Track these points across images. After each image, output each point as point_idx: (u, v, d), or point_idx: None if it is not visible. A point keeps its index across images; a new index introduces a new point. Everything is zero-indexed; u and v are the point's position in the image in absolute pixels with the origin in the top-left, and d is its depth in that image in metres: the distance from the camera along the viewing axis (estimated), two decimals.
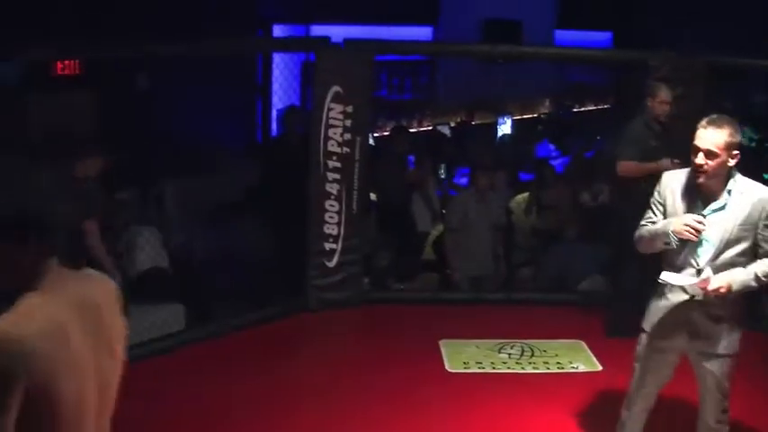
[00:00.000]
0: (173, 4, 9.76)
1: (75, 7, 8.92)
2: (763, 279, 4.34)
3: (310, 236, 7.60)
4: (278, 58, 10.70)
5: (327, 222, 7.57)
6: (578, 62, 14.03)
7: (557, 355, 6.98)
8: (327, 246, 7.63)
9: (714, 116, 4.37)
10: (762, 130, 12.10)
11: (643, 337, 4.76)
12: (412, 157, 9.94)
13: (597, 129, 13.42)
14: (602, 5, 15.54)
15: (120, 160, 7.06)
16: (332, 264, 7.67)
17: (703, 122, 4.33)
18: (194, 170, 8.79)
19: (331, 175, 7.49)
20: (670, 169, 6.32)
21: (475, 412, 6.00)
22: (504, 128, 13.74)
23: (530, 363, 6.87)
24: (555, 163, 11.32)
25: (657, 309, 4.68)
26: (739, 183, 4.40)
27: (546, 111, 15.82)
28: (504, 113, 14.10)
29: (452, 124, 13.77)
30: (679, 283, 4.45)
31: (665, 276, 4.44)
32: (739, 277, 4.33)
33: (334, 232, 7.60)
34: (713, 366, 4.61)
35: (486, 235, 8.27)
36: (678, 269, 4.49)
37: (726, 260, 4.37)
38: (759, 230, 4.36)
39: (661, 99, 7.06)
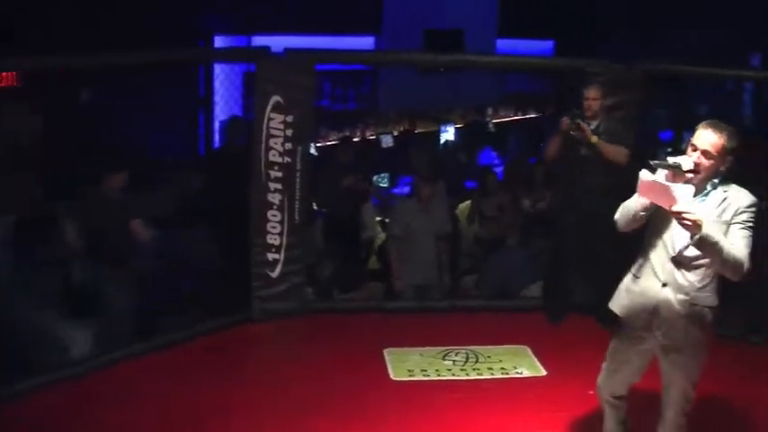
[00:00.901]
0: (111, 16, 9.67)
1: (7, 20, 8.77)
2: (727, 256, 4.27)
3: (253, 246, 7.55)
4: (220, 70, 10.63)
5: (270, 233, 7.54)
6: (519, 70, 14.12)
7: (501, 361, 7.00)
8: (270, 256, 7.59)
9: (715, 120, 4.48)
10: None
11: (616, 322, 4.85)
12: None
13: (537, 136, 13.49)
14: (544, 14, 15.64)
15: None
16: (275, 274, 7.64)
17: (704, 123, 4.45)
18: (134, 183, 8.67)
19: (273, 185, 7.47)
20: (566, 125, 6.57)
21: (420, 420, 5.99)
22: (447, 136, 13.78)
23: (474, 369, 6.88)
24: (498, 170, 11.37)
25: (628, 292, 4.74)
26: (724, 182, 4.48)
27: (488, 119, 15.87)
28: (445, 122, 14.14)
29: (395, 133, 13.77)
30: (664, 184, 4.27)
31: (644, 174, 4.32)
32: (713, 229, 4.26)
33: (277, 242, 7.57)
34: (679, 358, 4.64)
35: (430, 244, 8.28)
36: (656, 248, 4.59)
37: (696, 253, 4.42)
38: (730, 225, 4.41)
39: (589, 96, 7.19)
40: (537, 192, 9.87)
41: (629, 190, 4.57)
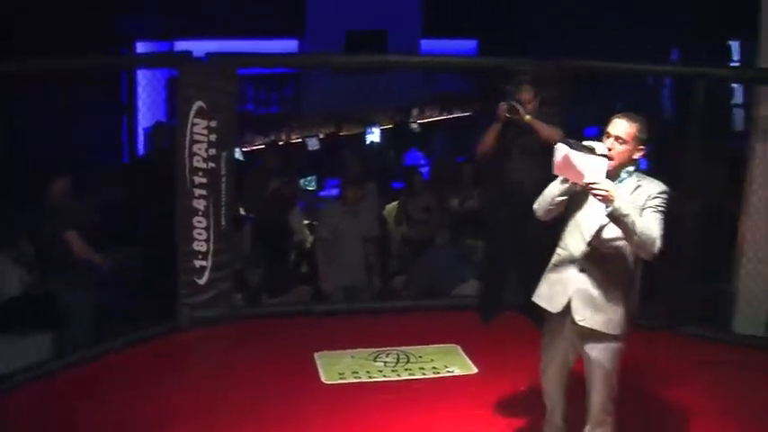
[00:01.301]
0: (31, 22, 9.52)
1: None
2: (639, 230, 4.42)
3: (179, 253, 7.47)
4: (142, 76, 10.52)
5: (196, 239, 7.46)
6: (442, 70, 14.20)
7: (432, 360, 7.02)
8: (197, 263, 7.51)
9: (630, 112, 4.75)
10: None
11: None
12: None
13: (463, 135, 13.57)
14: (467, 14, 15.72)
15: None
16: (202, 281, 7.56)
17: (618, 113, 4.72)
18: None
19: (198, 191, 7.39)
20: (503, 109, 6.82)
21: (352, 422, 5.98)
22: (373, 138, 13.80)
23: (406, 369, 6.89)
24: (425, 171, 11.42)
25: (548, 281, 4.91)
26: (638, 172, 4.73)
27: (414, 120, 15.93)
28: (371, 124, 14.16)
29: (321, 136, 13.76)
30: (579, 159, 4.42)
31: (561, 147, 4.46)
32: (625, 203, 4.44)
33: (204, 249, 7.49)
34: (596, 347, 4.77)
35: (358, 246, 8.27)
36: (573, 234, 4.78)
37: (610, 235, 4.62)
38: (642, 209, 4.57)
39: (522, 98, 7.23)
40: (465, 190, 9.92)
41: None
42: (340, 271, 8.27)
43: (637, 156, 4.69)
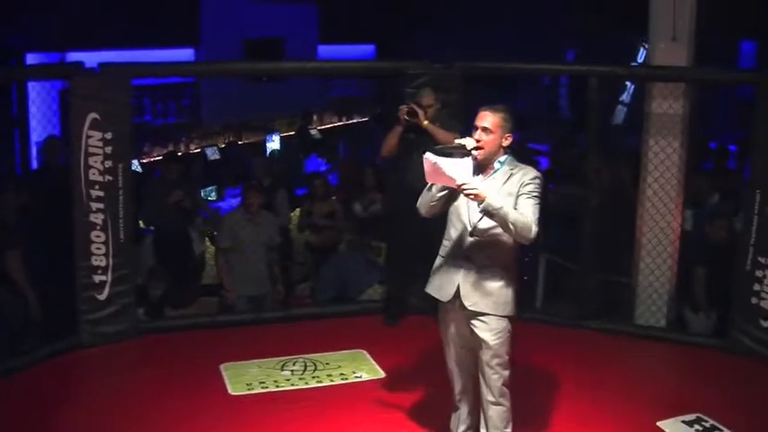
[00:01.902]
0: None
1: None
2: (512, 219, 4.76)
3: (78, 269, 7.29)
4: (33, 88, 10.28)
5: (95, 254, 7.28)
6: (340, 75, 14.22)
7: (340, 367, 6.98)
8: (97, 278, 7.33)
9: (494, 104, 5.04)
10: (521, 131, 12.63)
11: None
12: None
13: (363, 140, 13.60)
14: (364, 20, 15.77)
15: None
16: (103, 296, 7.38)
17: (484, 107, 5.01)
18: None
19: (95, 205, 7.21)
20: (403, 112, 7.10)
21: None
22: (273, 145, 13.72)
23: (313, 377, 6.84)
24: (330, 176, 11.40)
25: (437, 272, 5.21)
26: (510, 161, 5.05)
27: (314, 126, 15.90)
28: (271, 131, 14.09)
29: (221, 145, 13.63)
30: (445, 165, 4.73)
31: (429, 156, 4.76)
32: (496, 198, 4.77)
33: (103, 264, 7.32)
34: (487, 330, 5.05)
35: (260, 254, 8.22)
36: (456, 226, 5.09)
37: (490, 224, 4.92)
38: (517, 197, 4.91)
39: (423, 102, 7.27)
40: (368, 195, 9.91)
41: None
42: (243, 280, 8.20)
43: (505, 143, 5.01)
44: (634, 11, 8.17)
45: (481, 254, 5.02)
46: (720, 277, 7.72)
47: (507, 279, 5.05)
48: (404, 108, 7.18)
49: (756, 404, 6.45)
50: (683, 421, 6.09)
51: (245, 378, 6.78)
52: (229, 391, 6.60)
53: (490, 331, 5.04)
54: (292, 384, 6.72)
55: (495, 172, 5.01)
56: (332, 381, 6.77)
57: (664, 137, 7.69)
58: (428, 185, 5.02)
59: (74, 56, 10.39)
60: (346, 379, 6.80)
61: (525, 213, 4.83)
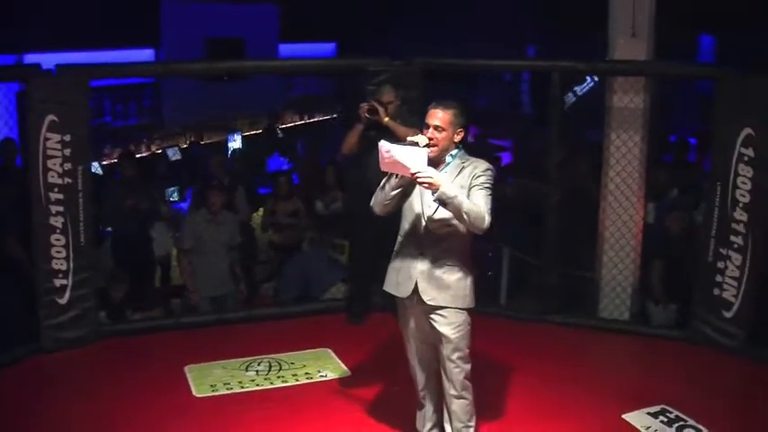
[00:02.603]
0: None
1: None
2: (466, 208, 4.78)
3: (38, 273, 7.20)
4: None
5: (55, 258, 7.18)
6: (300, 73, 14.17)
7: (305, 366, 6.96)
8: (57, 282, 7.23)
9: (444, 100, 5.04)
10: (482, 127, 12.69)
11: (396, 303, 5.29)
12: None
13: (325, 138, 13.57)
14: (325, 18, 15.75)
15: None
16: (64, 300, 7.28)
17: (433, 103, 5.03)
18: None
19: (54, 208, 7.12)
20: (364, 109, 7.09)
21: None
22: (235, 144, 13.66)
23: (278, 377, 6.80)
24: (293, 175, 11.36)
25: (393, 268, 5.22)
26: (461, 155, 5.08)
27: (276, 125, 15.85)
28: (233, 131, 14.02)
29: (182, 146, 13.54)
30: (400, 153, 4.74)
31: (384, 144, 4.79)
32: (451, 186, 4.79)
33: (64, 267, 7.22)
34: (446, 324, 5.07)
35: (222, 254, 8.19)
36: (410, 221, 5.11)
37: (445, 215, 4.94)
38: (470, 189, 4.94)
39: (383, 99, 7.26)
40: (330, 193, 9.89)
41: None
42: (205, 281, 8.16)
43: (457, 139, 5.04)
44: (594, 7, 8.20)
45: (436, 247, 5.05)
46: (678, 269, 7.78)
47: (464, 271, 5.09)
48: (364, 106, 7.16)
49: (719, 394, 6.51)
50: (648, 413, 6.13)
51: (209, 379, 6.74)
52: (194, 393, 6.55)
53: (449, 325, 5.06)
54: (257, 385, 6.68)
55: (447, 165, 5.03)
56: (297, 380, 6.73)
57: (625, 131, 7.73)
58: (381, 184, 5.04)
59: (31, 58, 10.27)
60: (311, 378, 6.77)
61: (478, 203, 4.86)
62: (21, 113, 9.40)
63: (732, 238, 7.11)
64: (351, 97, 8.59)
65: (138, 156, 11.77)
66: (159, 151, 13.49)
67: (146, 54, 13.90)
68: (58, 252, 7.19)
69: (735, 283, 7.14)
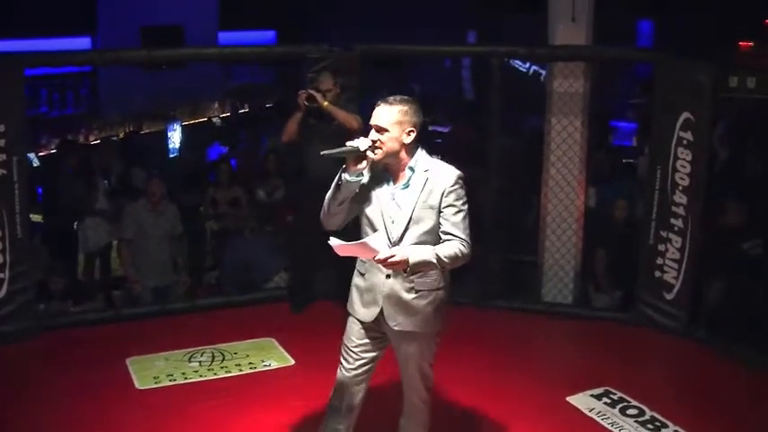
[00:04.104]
0: None
1: None
2: (445, 260, 4.31)
3: None
4: None
5: None
6: (239, 60, 14.08)
7: (248, 356, 6.91)
8: None
9: (392, 96, 4.43)
10: (426, 115, 12.66)
11: (349, 320, 4.74)
12: None
13: (264, 126, 13.48)
14: (264, 5, 15.66)
15: None
16: (1, 294, 7.15)
17: (378, 102, 4.40)
18: None
19: None
20: (302, 97, 6.97)
21: (170, 426, 5.82)
22: (175, 135, 13.51)
23: (222, 367, 6.75)
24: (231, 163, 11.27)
25: (358, 290, 4.67)
26: (423, 161, 4.45)
27: (216, 114, 15.74)
28: (173, 120, 13.87)
29: (121, 135, 13.37)
30: (346, 251, 4.30)
31: (333, 241, 4.22)
32: (419, 253, 4.28)
33: (0, 260, 7.10)
34: (413, 347, 4.64)
35: (163, 244, 8.12)
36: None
37: (412, 239, 4.38)
38: (441, 210, 4.39)
39: (322, 87, 7.22)
40: (271, 181, 9.83)
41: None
42: (147, 271, 8.08)
43: (408, 140, 4.37)
44: None
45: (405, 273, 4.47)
46: (623, 256, 7.86)
47: (436, 293, 4.56)
48: (303, 93, 7.12)
49: (661, 375, 6.61)
50: (592, 395, 6.19)
51: (151, 371, 6.66)
52: (136, 385, 6.47)
53: (417, 348, 4.64)
54: (200, 375, 6.62)
55: (409, 179, 4.43)
56: (241, 370, 6.68)
57: (565, 115, 7.77)
58: (329, 193, 4.46)
59: None
60: (255, 368, 6.73)
61: (455, 234, 4.36)
62: None
63: (672, 220, 7.19)
64: (290, 85, 8.55)
65: (80, 144, 11.59)
66: (97, 141, 13.30)
67: (83, 42, 13.71)
68: None
69: (675, 266, 7.22)
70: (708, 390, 6.36)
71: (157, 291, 8.16)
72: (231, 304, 7.96)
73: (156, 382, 6.51)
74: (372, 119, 4.39)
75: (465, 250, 4.36)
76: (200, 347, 7.03)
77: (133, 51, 9.24)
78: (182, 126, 13.90)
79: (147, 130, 14.19)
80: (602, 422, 5.85)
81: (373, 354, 4.74)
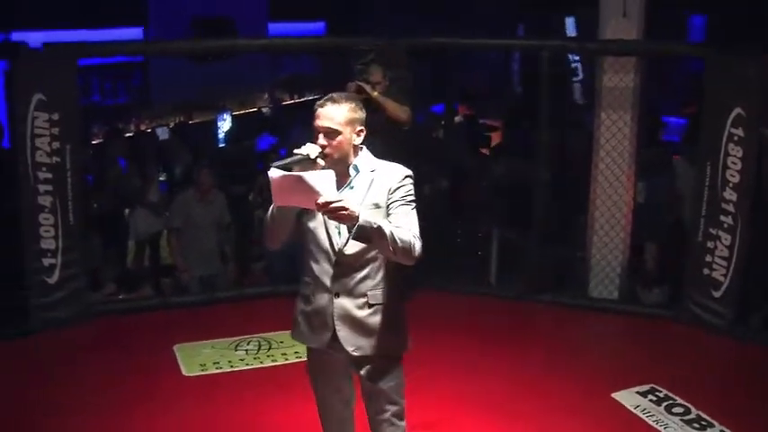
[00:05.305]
0: None
1: None
2: (397, 239, 3.68)
3: (26, 253, 7.17)
4: None
5: (43, 237, 7.16)
6: (290, 51, 14.13)
7: (294, 345, 6.92)
8: (46, 261, 7.22)
9: (332, 94, 3.94)
10: (472, 108, 12.64)
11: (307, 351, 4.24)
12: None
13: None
14: None
15: None
16: (53, 280, 7.27)
17: (320, 101, 3.89)
18: None
19: (42, 188, 7.10)
20: (351, 88, 6.81)
21: (216, 413, 5.88)
22: (225, 124, 13.60)
23: (268, 356, 6.81)
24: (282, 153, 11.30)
25: (303, 315, 4.11)
26: (369, 161, 3.96)
27: (265, 104, 15.79)
28: (222, 110, 13.95)
29: (171, 125, 13.48)
30: (298, 181, 3.58)
31: (273, 172, 3.61)
32: (372, 215, 3.71)
33: (52, 247, 7.21)
34: (376, 374, 4.06)
35: (211, 233, 8.18)
36: (316, 257, 3.97)
37: (360, 246, 3.83)
38: (389, 206, 3.88)
39: (374, 79, 7.24)
40: None
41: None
42: (195, 260, 8.15)
43: (358, 141, 3.90)
44: None
45: (353, 284, 3.95)
46: (673, 251, 7.81)
47: (392, 309, 4.01)
48: (352, 86, 7.14)
49: (708, 373, 6.54)
50: (638, 392, 6.15)
51: (198, 358, 6.74)
52: (183, 372, 6.56)
53: (381, 376, 4.05)
54: (247, 364, 6.70)
55: (353, 180, 3.91)
56: (287, 360, 6.73)
57: (615, 110, 7.73)
58: (268, 213, 3.92)
59: (18, 36, 10.21)
60: (301, 357, 6.69)
61: (404, 227, 3.78)
62: (8, 92, 9.37)
63: (722, 217, 7.12)
64: (340, 76, 8.57)
65: (126, 135, 11.69)
66: (148, 130, 13.43)
67: (134, 33, 13.83)
68: (47, 231, 7.19)
69: (724, 263, 7.16)
70: (755, 390, 6.29)
71: (205, 279, 8.24)
72: (278, 294, 7.99)
73: (202, 370, 6.59)
74: (319, 120, 3.84)
75: (417, 244, 3.79)
76: (246, 336, 7.11)
77: (185, 42, 9.35)
78: (231, 116, 13.99)
79: (196, 120, 14.29)
80: (647, 419, 5.82)
81: (339, 395, 4.24)
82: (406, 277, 4.10)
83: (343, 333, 3.97)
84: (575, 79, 14.38)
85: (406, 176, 3.92)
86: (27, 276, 7.22)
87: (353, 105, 3.89)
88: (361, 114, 3.92)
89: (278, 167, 3.64)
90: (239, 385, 6.32)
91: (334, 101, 3.86)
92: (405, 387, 4.16)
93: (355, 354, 3.99)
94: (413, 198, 3.92)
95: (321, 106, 3.86)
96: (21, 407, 5.99)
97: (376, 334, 3.98)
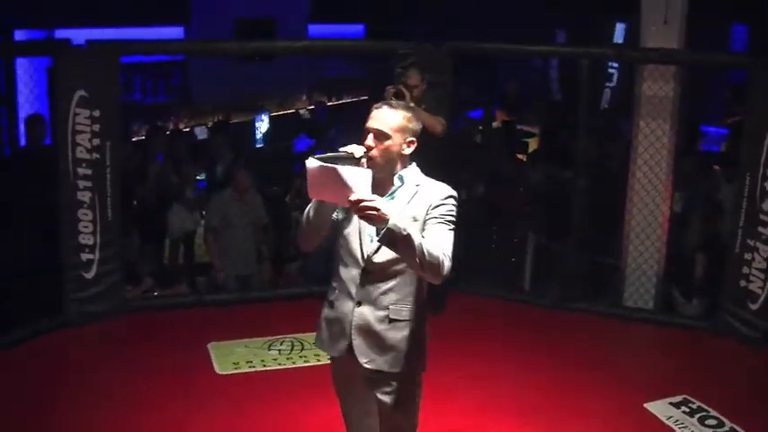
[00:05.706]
0: None
1: None
2: (426, 253, 3.54)
3: (64, 248, 7.25)
4: (21, 65, 10.20)
5: (82, 232, 7.24)
6: (330, 53, 14.18)
7: None
8: (84, 256, 7.30)
9: (392, 100, 4.06)
10: (511, 114, 12.63)
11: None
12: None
13: (355, 120, 13.52)
14: None
15: None
16: (90, 275, 7.35)
17: (378, 104, 3.86)
18: None
19: (82, 183, 7.18)
20: (390, 96, 6.69)
21: (248, 412, 5.93)
22: (263, 125, 13.66)
23: (301, 357, 6.84)
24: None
25: (326, 321, 4.06)
26: (414, 175, 3.87)
27: (303, 106, 15.84)
28: (261, 111, 14.02)
29: (209, 124, 13.55)
30: (334, 173, 3.47)
31: (310, 162, 3.52)
32: (403, 221, 3.53)
33: (90, 242, 7.29)
34: (389, 392, 3.95)
35: (248, 233, 8.22)
36: (345, 262, 3.91)
37: (390, 255, 3.72)
38: (426, 221, 3.77)
39: (410, 83, 7.25)
40: None
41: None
42: (232, 259, 8.20)
43: (407, 151, 3.82)
44: None
45: (378, 298, 3.85)
46: (715, 262, 7.76)
47: (414, 326, 3.89)
48: (390, 89, 7.14)
49: (742, 386, 6.49)
50: (671, 403, 6.12)
51: (232, 357, 6.78)
52: (216, 370, 6.61)
53: (394, 395, 3.94)
54: (279, 364, 6.73)
55: (396, 190, 3.83)
56: (319, 360, 6.71)
57: (654, 119, 7.69)
58: (308, 209, 3.84)
59: (62, 33, 10.32)
60: None
61: (436, 242, 3.65)
62: (51, 89, 9.48)
63: (760, 229, 7.06)
64: (379, 80, 8.58)
65: (167, 132, 11.75)
66: (187, 129, 13.52)
67: (175, 32, 13.93)
68: (86, 227, 7.27)
69: (762, 276, 7.10)
70: None
71: (240, 278, 8.28)
72: (313, 294, 7.99)
73: (235, 368, 6.63)
74: (371, 121, 3.78)
75: (447, 263, 3.64)
76: (280, 336, 7.14)
77: (227, 43, 9.40)
78: (269, 117, 14.05)
79: (235, 120, 14.35)
80: (679, 431, 5.79)
81: (363, 405, 4.15)
82: (436, 294, 4.03)
83: (358, 343, 3.88)
84: (607, 84, 14.31)
85: (450, 196, 3.81)
86: (65, 271, 7.30)
87: (409, 115, 3.82)
88: (416, 126, 3.84)
89: (318, 159, 3.55)
90: (271, 385, 6.36)
91: (391, 106, 3.83)
92: (419, 413, 4.06)
93: (368, 366, 3.89)
94: (452, 219, 3.79)
95: (377, 108, 3.82)
96: (53, 400, 6.06)
97: (393, 351, 3.88)
